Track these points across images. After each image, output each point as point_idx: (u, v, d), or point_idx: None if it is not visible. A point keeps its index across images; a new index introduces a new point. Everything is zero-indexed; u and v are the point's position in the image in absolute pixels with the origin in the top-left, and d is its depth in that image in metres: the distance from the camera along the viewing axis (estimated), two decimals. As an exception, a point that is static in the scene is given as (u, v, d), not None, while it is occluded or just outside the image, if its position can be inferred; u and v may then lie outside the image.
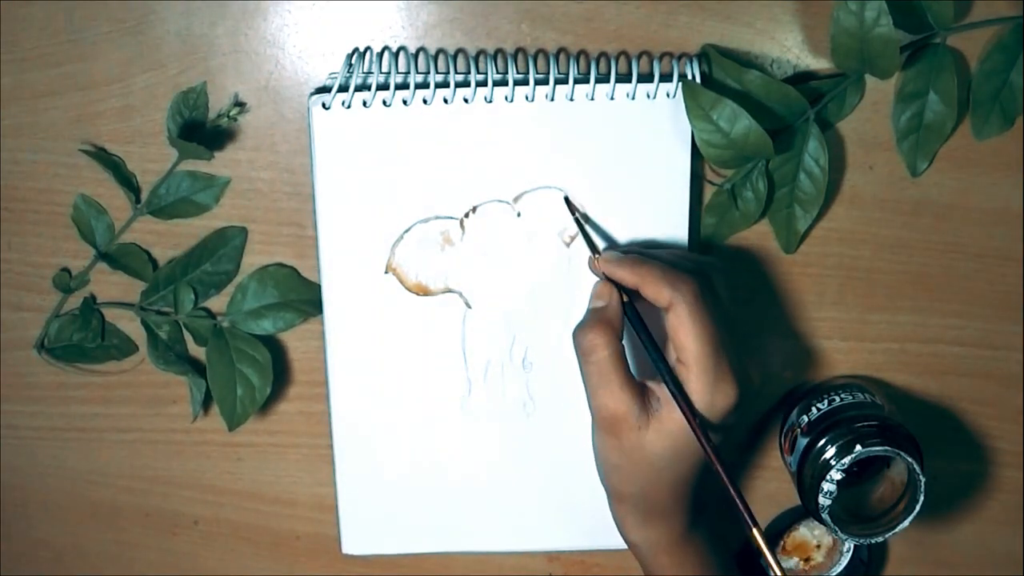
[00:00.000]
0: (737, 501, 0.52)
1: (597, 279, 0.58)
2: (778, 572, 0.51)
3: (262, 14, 0.60)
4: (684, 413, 0.54)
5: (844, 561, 0.69)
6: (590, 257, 0.59)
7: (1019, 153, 0.62)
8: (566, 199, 0.60)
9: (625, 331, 0.56)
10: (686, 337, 0.53)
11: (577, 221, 0.60)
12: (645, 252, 0.58)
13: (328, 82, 0.60)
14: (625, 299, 0.57)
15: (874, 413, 0.62)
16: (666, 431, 0.55)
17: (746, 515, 0.52)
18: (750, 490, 0.69)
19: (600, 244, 0.61)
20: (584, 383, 0.56)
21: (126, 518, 0.71)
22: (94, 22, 0.60)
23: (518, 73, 0.59)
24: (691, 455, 0.55)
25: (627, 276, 0.56)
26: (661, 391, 0.55)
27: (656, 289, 0.54)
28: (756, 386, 0.57)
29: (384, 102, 0.59)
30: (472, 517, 0.67)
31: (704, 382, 0.54)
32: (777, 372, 0.65)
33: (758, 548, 0.52)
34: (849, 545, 0.69)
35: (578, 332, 0.56)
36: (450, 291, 0.62)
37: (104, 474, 0.70)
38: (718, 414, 0.54)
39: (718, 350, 0.54)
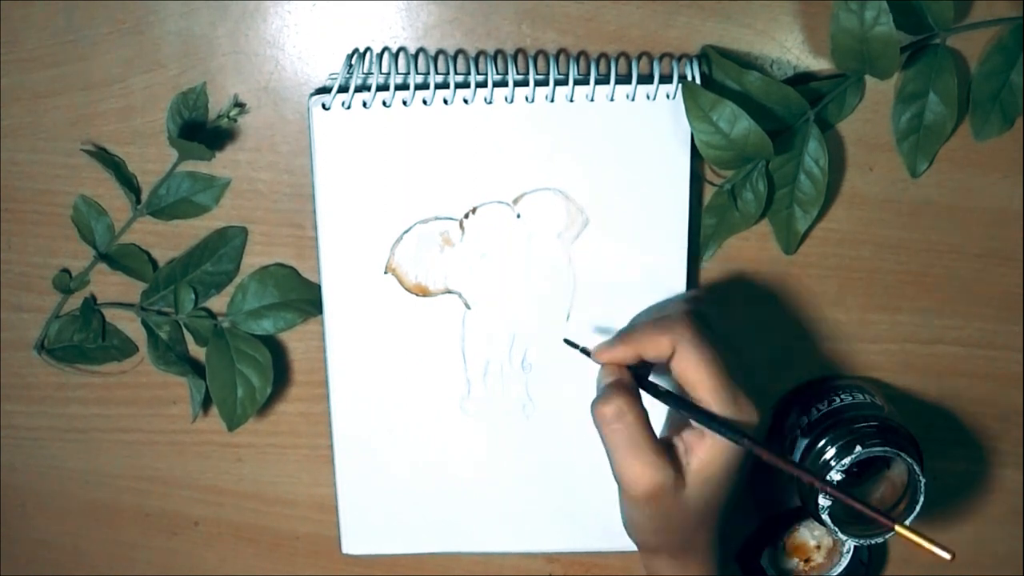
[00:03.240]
0: (833, 492, 0.53)
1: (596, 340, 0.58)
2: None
3: (262, 15, 0.59)
4: (732, 438, 0.53)
5: (844, 562, 0.69)
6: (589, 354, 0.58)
7: (1019, 153, 0.62)
8: (566, 340, 0.59)
9: None
10: (696, 373, 0.53)
11: (567, 341, 0.59)
12: (635, 320, 0.59)
13: (328, 83, 0.60)
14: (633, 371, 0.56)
15: (874, 413, 0.62)
16: (702, 478, 0.54)
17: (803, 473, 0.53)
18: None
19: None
20: (610, 457, 0.54)
21: (126, 518, 0.71)
22: (94, 22, 0.60)
23: (518, 74, 0.59)
24: (726, 489, 0.55)
25: (625, 351, 0.56)
26: (685, 439, 0.54)
27: (654, 344, 0.54)
28: (757, 418, 0.57)
29: (384, 103, 0.59)
30: (472, 517, 0.67)
31: (727, 410, 0.53)
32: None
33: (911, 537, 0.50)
34: (849, 546, 0.69)
35: (598, 404, 0.54)
36: (449, 292, 0.62)
37: (104, 474, 0.70)
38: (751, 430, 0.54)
39: (729, 377, 0.54)
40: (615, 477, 0.55)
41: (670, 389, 0.56)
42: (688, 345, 0.53)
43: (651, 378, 0.57)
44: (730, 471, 0.54)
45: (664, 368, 0.56)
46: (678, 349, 0.54)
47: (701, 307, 0.58)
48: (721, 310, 0.63)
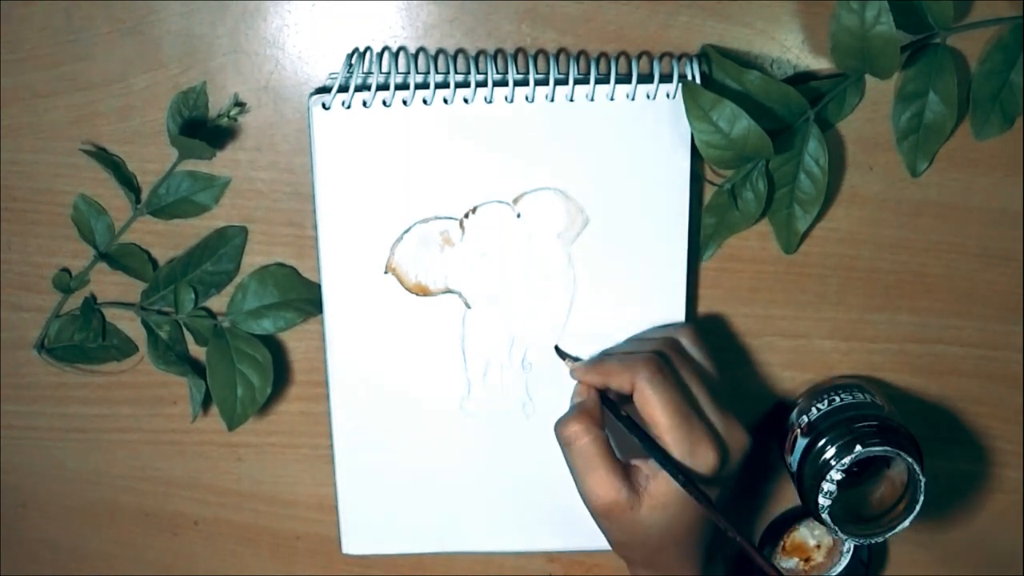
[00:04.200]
0: (747, 548, 0.55)
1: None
2: None
3: (262, 14, 0.59)
4: (672, 475, 0.55)
5: (844, 561, 0.69)
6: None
7: (1019, 153, 0.62)
8: (556, 348, 0.63)
9: (607, 422, 0.58)
10: (653, 411, 0.56)
11: (557, 349, 0.63)
12: (613, 349, 0.62)
13: (328, 82, 0.60)
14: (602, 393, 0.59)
15: (874, 413, 0.62)
16: (658, 504, 0.56)
17: (760, 560, 0.55)
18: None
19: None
20: (572, 474, 0.58)
21: (126, 518, 0.71)
22: (94, 22, 0.60)
23: (518, 73, 0.59)
24: (687, 518, 0.57)
25: (594, 378, 0.59)
26: (646, 466, 0.57)
27: (618, 379, 0.58)
28: (739, 452, 0.58)
29: (384, 102, 0.59)
30: (472, 517, 0.67)
31: (681, 450, 0.56)
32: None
33: None
34: (849, 545, 0.69)
35: (559, 425, 0.58)
36: (450, 291, 0.62)
37: (104, 474, 0.70)
38: (703, 476, 0.56)
39: (688, 417, 0.56)
40: (578, 492, 0.58)
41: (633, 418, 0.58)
42: (646, 385, 0.56)
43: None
44: (685, 504, 0.56)
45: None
46: (637, 388, 0.56)
47: (675, 348, 0.59)
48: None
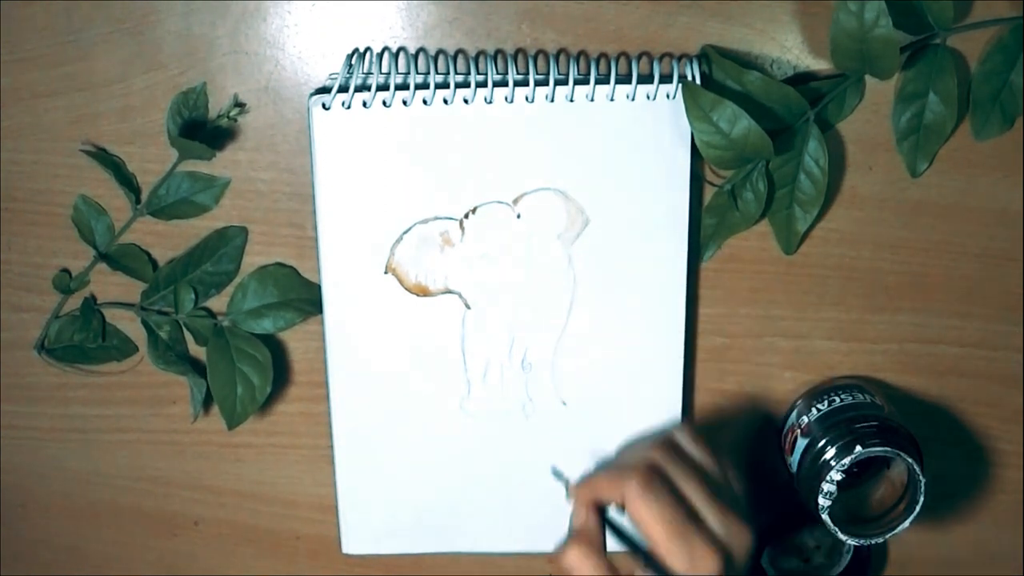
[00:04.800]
0: None
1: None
2: None
3: (262, 15, 0.59)
4: None
5: (844, 562, 0.69)
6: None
7: (1019, 153, 0.62)
8: (552, 469, 0.64)
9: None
10: (646, 526, 0.55)
11: (553, 470, 0.64)
12: (625, 446, 0.62)
13: (328, 83, 0.60)
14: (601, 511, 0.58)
15: (874, 413, 0.62)
16: None
17: None
18: (750, 491, 0.69)
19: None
20: None
21: (126, 518, 0.71)
22: (94, 22, 0.60)
23: (518, 74, 0.59)
24: None
25: (587, 494, 0.58)
26: None
27: (608, 491, 0.56)
28: (742, 550, 0.57)
29: (384, 103, 0.59)
30: (472, 517, 0.67)
31: (680, 563, 0.54)
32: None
33: None
34: (849, 546, 0.69)
35: (557, 554, 0.56)
36: (450, 292, 0.62)
37: (104, 474, 0.70)
38: None
39: (684, 528, 0.54)
40: None
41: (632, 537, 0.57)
42: (637, 499, 0.55)
43: None
44: None
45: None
46: (627, 501, 0.55)
47: (666, 453, 0.57)
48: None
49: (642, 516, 0.55)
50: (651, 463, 0.56)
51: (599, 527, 0.57)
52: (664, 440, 0.59)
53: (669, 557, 0.54)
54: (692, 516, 0.55)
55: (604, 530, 0.57)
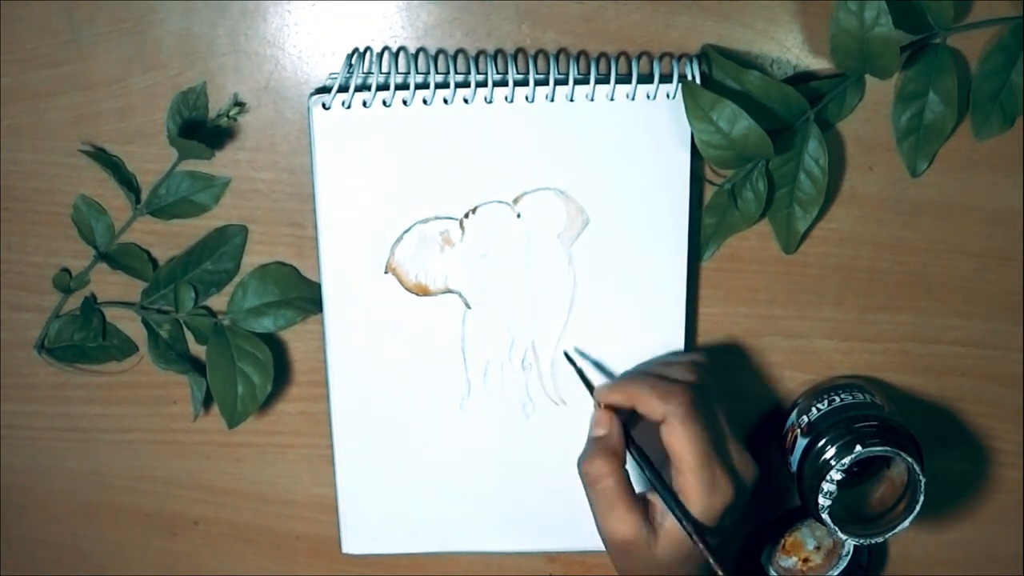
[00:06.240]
0: None
1: (595, 404, 0.60)
2: None
3: (262, 14, 0.59)
4: (684, 528, 0.55)
5: (844, 562, 0.69)
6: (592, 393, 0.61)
7: (1019, 153, 0.62)
8: (566, 354, 0.63)
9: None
10: (681, 447, 0.56)
11: (570, 360, 0.63)
12: (639, 369, 0.61)
13: (328, 82, 0.60)
14: (624, 423, 0.59)
15: (874, 413, 0.62)
16: (674, 540, 0.56)
17: None
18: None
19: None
20: (592, 508, 0.58)
21: (126, 518, 0.71)
22: (94, 22, 0.60)
23: (518, 74, 0.59)
24: (700, 554, 0.57)
25: (621, 399, 0.58)
26: (661, 502, 0.57)
27: (649, 405, 0.57)
28: (750, 483, 0.59)
29: (384, 102, 0.59)
30: (472, 517, 0.67)
31: (701, 488, 0.56)
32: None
33: None
34: (849, 546, 0.69)
35: (583, 463, 0.58)
36: (450, 291, 0.62)
37: (104, 474, 0.70)
38: (716, 514, 0.56)
39: (711, 455, 0.56)
40: (596, 526, 0.58)
41: (649, 457, 0.58)
42: (679, 421, 0.55)
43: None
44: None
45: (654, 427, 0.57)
46: (668, 420, 0.56)
47: (704, 378, 0.59)
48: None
49: (679, 437, 0.55)
50: (695, 387, 0.57)
51: (622, 438, 0.58)
52: (700, 364, 0.60)
53: (694, 482, 0.55)
54: (718, 445, 0.56)
55: (626, 442, 0.58)
